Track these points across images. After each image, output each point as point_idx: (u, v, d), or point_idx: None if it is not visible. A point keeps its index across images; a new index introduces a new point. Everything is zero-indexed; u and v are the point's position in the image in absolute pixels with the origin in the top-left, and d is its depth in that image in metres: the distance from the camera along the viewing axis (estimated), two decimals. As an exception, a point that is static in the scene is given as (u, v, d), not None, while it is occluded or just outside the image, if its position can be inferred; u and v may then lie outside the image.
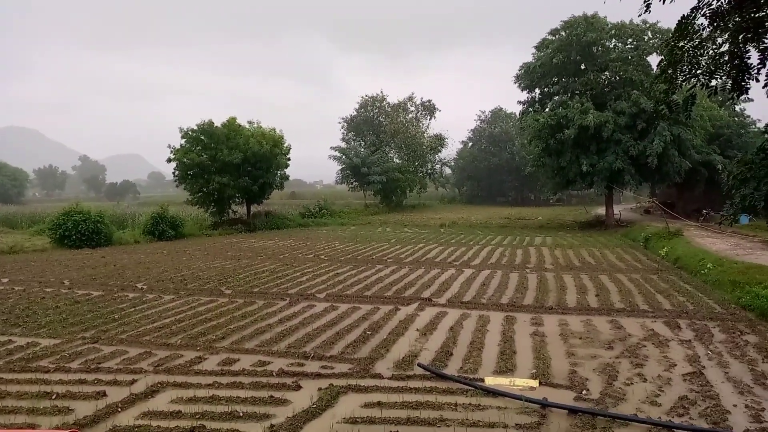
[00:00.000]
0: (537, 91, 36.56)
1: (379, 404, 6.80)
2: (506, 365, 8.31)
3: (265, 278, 16.26)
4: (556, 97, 33.62)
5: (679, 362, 8.38)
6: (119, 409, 6.70)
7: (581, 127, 30.33)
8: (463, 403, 6.82)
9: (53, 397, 7.06)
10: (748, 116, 38.51)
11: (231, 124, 35.48)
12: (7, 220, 38.73)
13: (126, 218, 35.31)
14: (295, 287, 14.76)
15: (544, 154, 34.46)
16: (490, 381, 7.65)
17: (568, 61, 33.78)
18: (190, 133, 34.89)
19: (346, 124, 66.53)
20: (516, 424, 6.23)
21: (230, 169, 33.89)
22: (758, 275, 13.43)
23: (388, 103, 66.75)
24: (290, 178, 45.33)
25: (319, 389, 7.33)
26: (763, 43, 5.28)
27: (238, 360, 8.59)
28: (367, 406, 6.80)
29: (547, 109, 32.97)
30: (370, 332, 10.16)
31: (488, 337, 9.85)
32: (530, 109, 36.15)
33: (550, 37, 34.87)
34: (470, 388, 7.32)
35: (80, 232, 25.60)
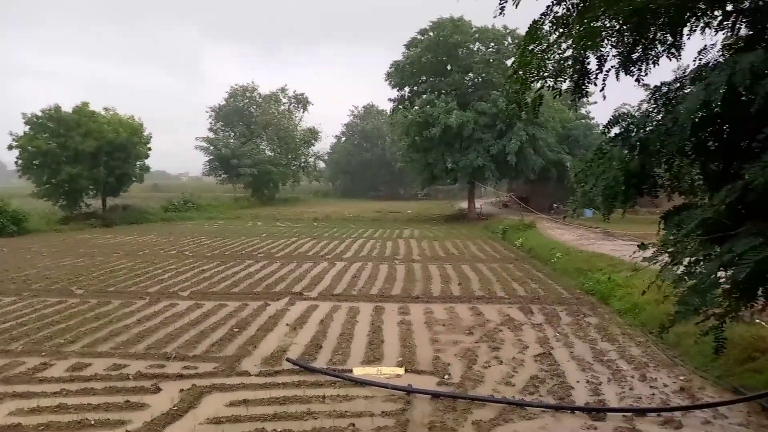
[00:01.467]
0: (407, 89, 37.69)
1: (245, 402, 6.64)
2: (374, 355, 8.48)
3: (122, 276, 15.19)
4: (424, 96, 34.88)
5: (531, 344, 9.07)
6: (-57, 428, 5.93)
7: (446, 125, 31.72)
8: (331, 395, 6.86)
9: None
10: (593, 118, 42.51)
11: (83, 110, 32.66)
12: None
13: (-43, 212, 31.18)
14: (155, 285, 13.95)
15: (412, 150, 35.61)
16: (358, 371, 7.76)
17: (436, 61, 35.21)
18: (34, 119, 31.64)
19: (214, 114, 63.91)
20: (382, 412, 6.38)
21: (83, 158, 31.25)
22: (599, 263, 14.91)
23: (260, 93, 65.17)
24: (152, 170, 42.78)
25: (181, 390, 6.99)
26: (600, 50, 5.81)
27: (90, 365, 7.95)
28: (232, 404, 6.61)
29: (415, 107, 34.11)
30: (237, 329, 9.88)
31: (358, 328, 9.99)
32: (400, 106, 37.14)
33: (419, 37, 36.08)
34: (338, 379, 7.39)
35: None
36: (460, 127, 31.92)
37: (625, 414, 6.37)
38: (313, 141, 65.28)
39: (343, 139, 76.83)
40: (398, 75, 36.53)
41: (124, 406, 6.51)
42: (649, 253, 4.66)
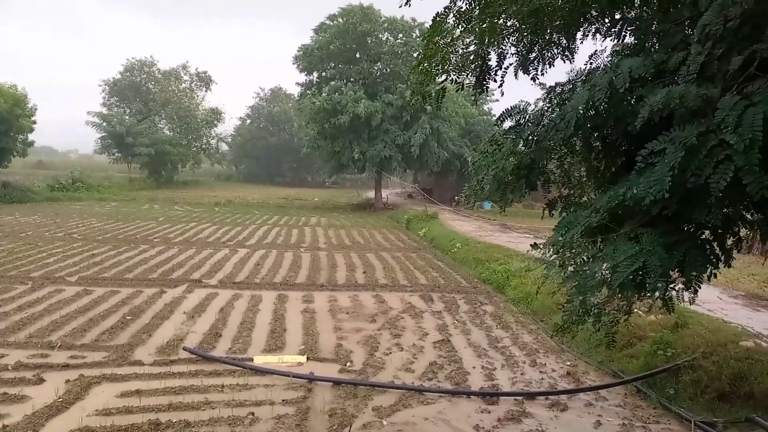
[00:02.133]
0: (315, 74, 37.23)
1: (138, 392, 6.37)
2: (276, 343, 8.41)
3: (1, 260, 13.98)
4: (333, 83, 34.65)
5: (431, 331, 9.37)
6: None
7: (354, 114, 31.77)
8: (230, 384, 6.75)
9: None
10: (494, 115, 44.28)
11: (-43, 76, 29.60)
12: None
13: None
14: (39, 270, 12.97)
15: (319, 137, 35.35)
16: (259, 360, 7.67)
17: (345, 49, 35.06)
18: None
19: (108, 88, 59.91)
20: (283, 400, 6.37)
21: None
22: (496, 253, 15.63)
23: (159, 69, 61.86)
24: (36, 144, 39.51)
25: (67, 381, 6.60)
26: (501, 48, 6.04)
27: (-39, 356, 7.29)
28: (124, 395, 6.32)
29: (324, 94, 33.85)
30: (130, 317, 9.43)
31: (260, 317, 9.86)
32: (308, 91, 36.63)
33: (328, 22, 35.71)
34: (238, 368, 7.26)
35: None
36: (368, 117, 32.09)
37: (517, 398, 6.77)
38: (215, 122, 62.98)
39: (248, 121, 74.67)
40: (306, 59, 36.00)
41: (1, 399, 6.05)
42: (539, 253, 4.95)
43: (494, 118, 40.67)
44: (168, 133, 57.17)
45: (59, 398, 6.11)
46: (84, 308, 9.84)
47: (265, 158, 71.10)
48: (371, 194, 43.57)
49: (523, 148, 5.23)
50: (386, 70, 36.01)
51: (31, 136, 35.01)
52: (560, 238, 4.52)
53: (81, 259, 14.44)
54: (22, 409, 5.87)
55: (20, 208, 28.54)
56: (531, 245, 5.14)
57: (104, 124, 50.67)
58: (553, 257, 4.77)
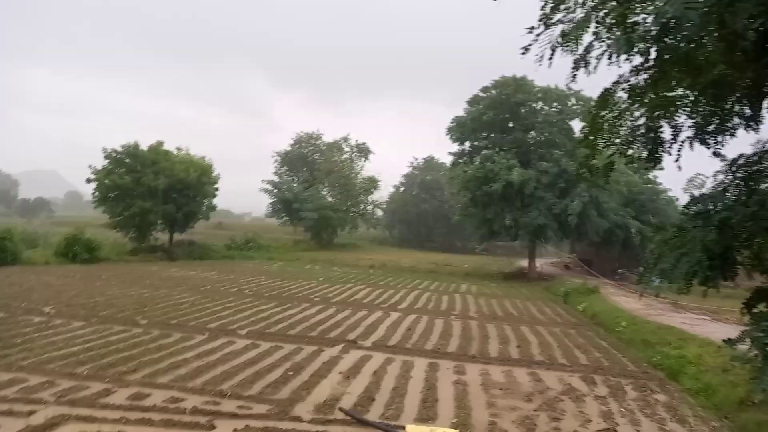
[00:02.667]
0: (467, 143, 37.86)
1: (297, 449, 6.57)
2: (428, 413, 8.28)
3: (184, 310, 15.59)
4: (485, 151, 34.94)
5: (594, 418, 8.63)
6: (12, 444, 6.14)
7: (507, 182, 31.56)
8: (384, 450, 6.71)
9: (-65, 429, 6.39)
10: (660, 183, 41.30)
11: (157, 149, 34.47)
12: None
13: (38, 237, 33.06)
14: (215, 321, 14.22)
15: (471, 204, 35.53)
16: (412, 429, 7.55)
17: (498, 119, 35.41)
18: (113, 154, 33.56)
19: (280, 159, 66.07)
20: (436, 474, 6.17)
21: (154, 194, 32.73)
22: (668, 336, 14.18)
23: (323, 141, 67.07)
24: (218, 208, 44.23)
25: (235, 430, 7.02)
26: (675, 120, 5.70)
27: (150, 395, 8.11)
28: (284, 450, 6.55)
29: (476, 162, 34.14)
30: (291, 373, 9.89)
31: (411, 384, 9.80)
32: (460, 160, 37.32)
33: (481, 94, 36.49)
34: (391, 434, 7.22)
35: (-17, 249, 23.77)
36: (521, 185, 31.70)
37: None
38: (372, 189, 66.06)
39: (402, 189, 77.40)
40: (459, 130, 36.85)
41: (179, 441, 6.58)
42: (736, 349, 4.40)
43: (660, 186, 37.91)
44: (330, 199, 61.07)
45: (229, 446, 6.50)
46: (252, 361, 10.54)
47: (416, 224, 72.71)
48: (524, 263, 42.25)
49: (709, 233, 4.78)
50: (540, 138, 35.61)
51: (213, 201, 39.31)
52: (760, 333, 3.99)
53: (251, 314, 15.61)
54: (196, 452, 6.32)
55: (201, 264, 31.87)
56: (725, 341, 4.59)
57: (275, 190, 55.68)
58: (752, 354, 4.20)
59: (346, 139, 67.87)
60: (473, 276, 36.96)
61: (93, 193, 33.95)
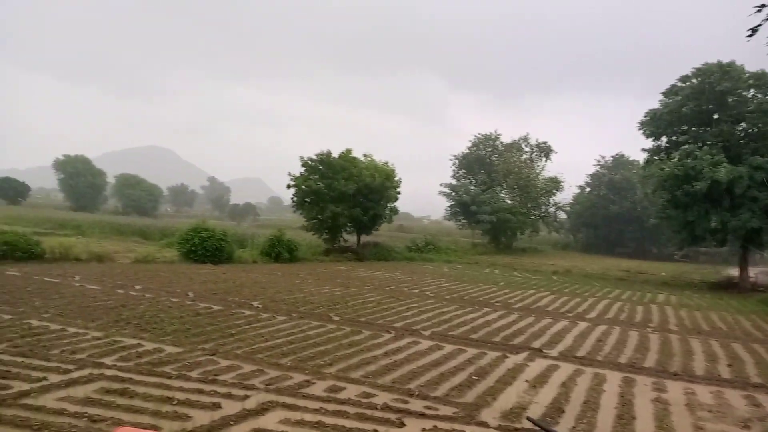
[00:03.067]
0: (663, 139, 34.61)
1: (485, 455, 6.54)
2: (624, 431, 7.71)
3: (371, 309, 16.42)
4: (685, 147, 31.57)
5: (833, 455, 7.34)
6: (232, 423, 6.96)
7: (713, 180, 28.20)
8: (577, 467, 6.39)
9: (174, 403, 7.47)
10: None
11: (346, 156, 36.74)
12: (142, 231, 42.32)
13: (246, 238, 37.27)
14: (400, 321, 14.76)
15: (669, 206, 32.48)
16: (607, 446, 7.11)
17: (700, 110, 31.82)
18: (309, 162, 36.50)
19: (457, 161, 66.60)
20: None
21: (344, 198, 34.97)
22: None
23: (501, 142, 66.15)
24: (399, 211, 45.94)
25: (423, 429, 7.19)
26: None
27: (344, 389, 8.66)
28: (472, 454, 6.56)
29: (674, 159, 31.05)
30: (476, 377, 9.88)
31: (604, 398, 9.22)
32: (655, 157, 34.27)
33: (679, 84, 33.07)
34: (584, 451, 6.85)
35: (205, 248, 27.36)
36: (730, 183, 28.15)
37: None
38: (554, 191, 63.58)
39: (588, 189, 73.34)
40: (654, 124, 33.78)
41: (372, 436, 6.93)
42: None
43: None
44: (509, 201, 60.07)
45: (418, 444, 6.68)
46: (436, 362, 10.73)
47: (604, 227, 68.35)
48: (734, 272, 37.47)
49: None
50: (752, 130, 31.27)
51: (396, 204, 40.86)
52: None
53: (433, 315, 15.94)
54: (388, 447, 6.60)
55: (385, 265, 33.33)
56: None
57: (453, 193, 56.26)
58: None
59: (525, 139, 66.33)
60: (671, 285, 33.68)
61: (291, 198, 37.32)
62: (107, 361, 9.22)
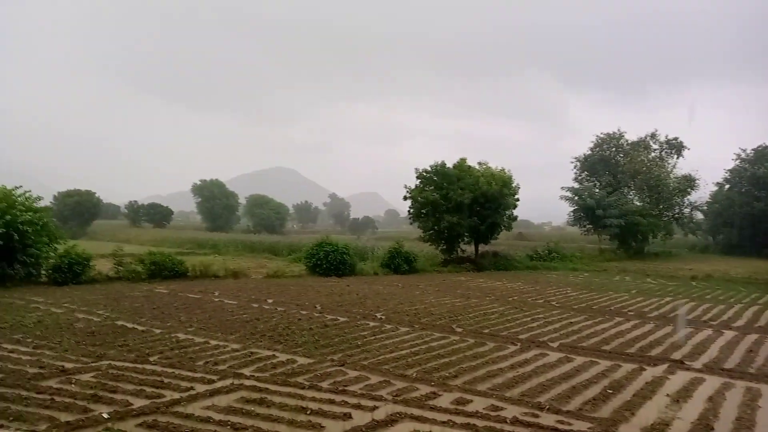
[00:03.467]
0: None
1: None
2: (788, 454, 6.93)
3: (494, 320, 16.14)
4: None
5: None
6: (363, 433, 7.14)
7: None
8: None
9: (308, 413, 7.81)
10: None
11: (461, 165, 36.52)
12: (271, 248, 44.89)
13: (366, 251, 38.24)
14: (525, 333, 14.36)
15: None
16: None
17: None
18: (424, 173, 36.73)
19: (579, 164, 63.70)
20: None
21: (460, 208, 34.73)
22: None
23: (627, 141, 62.33)
24: (518, 219, 44.70)
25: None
26: None
27: (471, 401, 8.58)
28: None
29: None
30: (611, 391, 9.36)
31: (761, 415, 8.36)
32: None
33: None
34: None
35: (329, 261, 28.45)
36: None
37: None
38: (689, 190, 58.74)
39: (727, 186, 67.00)
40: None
41: (503, 449, 6.79)
42: None
43: None
44: (637, 203, 56.43)
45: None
46: (566, 375, 10.31)
47: (749, 227, 61.95)
48: None
49: None
50: None
51: (514, 212, 39.87)
52: None
53: (560, 327, 15.33)
54: (520, 462, 6.43)
55: (506, 274, 32.62)
56: None
57: (576, 197, 53.88)
58: None
59: (653, 136, 62.03)
60: (836, 288, 29.76)
61: (408, 210, 37.74)
62: (246, 371, 9.86)
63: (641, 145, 61.65)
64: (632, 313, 18.21)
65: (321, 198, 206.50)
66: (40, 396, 8.08)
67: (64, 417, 7.29)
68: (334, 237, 34.41)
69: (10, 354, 10.54)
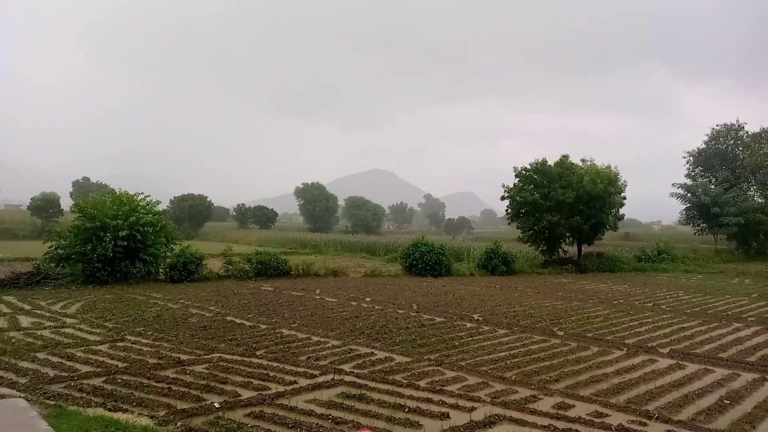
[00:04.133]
0: None
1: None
2: None
3: (598, 323, 15.50)
4: None
5: None
6: (461, 433, 7.14)
7: None
8: None
9: (406, 411, 7.92)
10: None
11: (563, 163, 35.29)
12: (369, 248, 45.82)
13: (462, 252, 38.01)
14: (632, 337, 13.68)
15: None
16: None
17: None
18: (523, 172, 35.85)
19: (692, 159, 59.63)
20: None
21: (562, 207, 33.58)
22: None
23: (747, 132, 57.53)
24: (624, 218, 42.50)
25: (668, 457, 6.57)
26: None
27: (573, 406, 8.32)
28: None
29: None
30: (728, 401, 8.73)
31: None
32: None
33: None
34: None
35: (425, 262, 28.59)
36: None
37: None
38: (820, 185, 53.23)
39: None
40: None
41: (608, 457, 6.54)
42: None
43: None
44: (759, 200, 51.93)
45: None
46: (677, 382, 9.73)
47: None
48: None
49: None
50: None
51: (621, 211, 37.99)
52: None
53: (671, 332, 14.46)
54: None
55: (611, 277, 31.17)
56: None
57: (688, 195, 50.44)
58: None
59: (777, 127, 56.79)
60: None
61: (506, 210, 37.01)
62: (346, 367, 10.16)
63: (764, 136, 56.64)
64: (752, 319, 16.80)
65: (416, 199, 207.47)
66: (159, 384, 8.79)
67: (180, 405, 7.89)
68: (429, 237, 34.51)
69: (133, 345, 11.55)
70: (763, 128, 57.38)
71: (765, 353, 12.21)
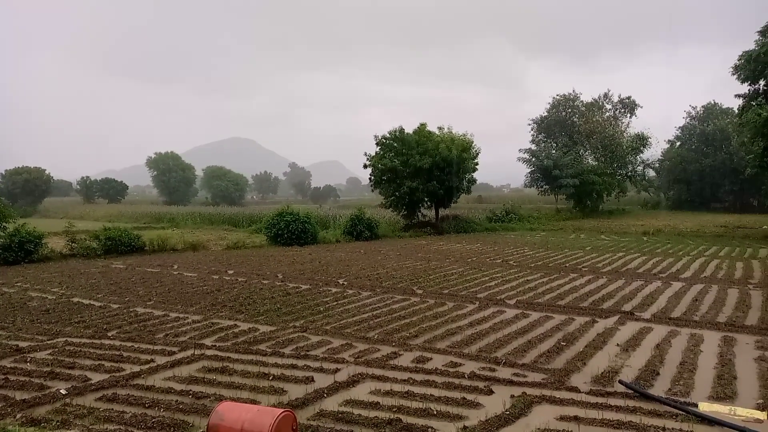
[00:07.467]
0: (762, 82, 31.85)
1: (576, 419, 6.49)
2: (724, 391, 7.40)
3: (454, 281, 16.47)
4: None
5: None
6: (325, 395, 7.28)
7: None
8: (672, 429, 6.22)
9: (270, 378, 7.91)
10: None
11: (421, 131, 36.52)
12: (231, 219, 44.40)
13: (328, 219, 38.23)
14: (484, 291, 14.73)
15: (768, 153, 30.01)
16: (705, 407, 6.86)
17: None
18: (383, 140, 36.62)
19: (536, 126, 64.64)
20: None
21: (420, 173, 34.89)
22: None
23: (582, 102, 63.42)
24: (477, 182, 45.22)
25: (512, 396, 7.22)
26: None
27: (431, 359, 8.82)
28: (562, 419, 6.53)
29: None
30: (564, 343, 9.75)
31: (702, 359, 8.86)
32: (752, 102, 31.66)
33: (780, 19, 30.21)
34: (680, 412, 6.65)
35: (291, 231, 28.35)
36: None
37: None
38: (641, 148, 60.32)
39: (677, 144, 69.05)
40: (749, 67, 31.07)
41: (461, 402, 7.04)
42: None
43: None
44: (592, 162, 57.75)
45: (506, 410, 6.73)
46: (522, 330, 10.68)
47: (698, 182, 64.26)
48: None
49: None
50: None
51: (474, 175, 40.33)
52: None
53: (517, 284, 15.78)
54: (476, 414, 6.70)
55: (466, 237, 33.18)
56: None
57: (533, 159, 54.72)
58: None
59: (607, 96, 63.27)
60: (776, 238, 31.36)
61: (369, 177, 37.72)
62: (207, 342, 9.88)
63: (596, 105, 62.79)
64: (586, 269, 18.85)
65: (281, 168, 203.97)
66: (-5, 376, 7.95)
67: (19, 395, 7.21)
68: (295, 206, 34.22)
69: (-39, 336, 10.28)
70: (594, 98, 63.58)
71: (595, 299, 13.75)
